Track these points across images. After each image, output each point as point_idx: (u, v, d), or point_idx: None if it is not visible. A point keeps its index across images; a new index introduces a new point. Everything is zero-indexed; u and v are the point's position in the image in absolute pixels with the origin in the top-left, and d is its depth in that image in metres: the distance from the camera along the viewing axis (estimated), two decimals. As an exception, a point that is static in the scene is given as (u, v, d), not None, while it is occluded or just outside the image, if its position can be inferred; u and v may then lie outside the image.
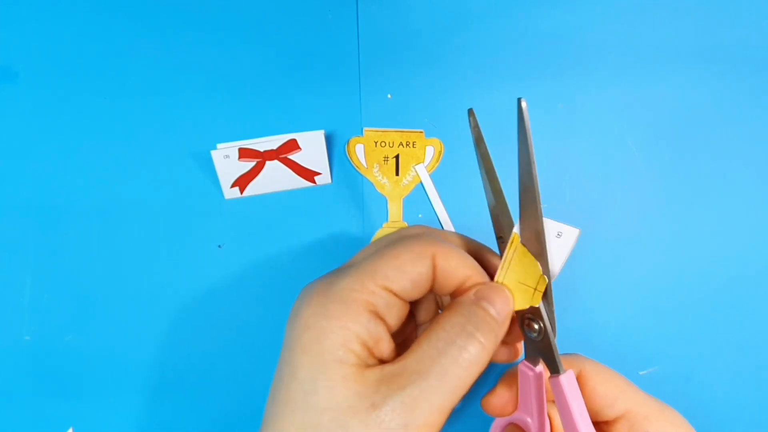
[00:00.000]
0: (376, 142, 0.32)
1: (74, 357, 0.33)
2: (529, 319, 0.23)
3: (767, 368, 0.33)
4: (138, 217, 0.33)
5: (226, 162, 0.32)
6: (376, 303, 0.21)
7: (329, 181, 0.33)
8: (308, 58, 0.34)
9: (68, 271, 0.33)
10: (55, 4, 0.34)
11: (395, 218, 0.33)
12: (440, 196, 0.33)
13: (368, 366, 0.21)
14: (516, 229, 0.23)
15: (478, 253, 0.25)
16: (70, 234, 0.33)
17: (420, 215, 0.33)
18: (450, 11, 0.34)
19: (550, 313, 0.23)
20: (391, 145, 0.33)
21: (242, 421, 0.34)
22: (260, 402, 0.34)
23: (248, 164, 0.32)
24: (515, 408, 0.27)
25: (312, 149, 0.32)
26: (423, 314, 0.27)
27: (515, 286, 0.23)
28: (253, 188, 0.33)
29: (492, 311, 0.22)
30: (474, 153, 0.25)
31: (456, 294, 0.23)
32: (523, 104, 0.21)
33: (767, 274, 0.33)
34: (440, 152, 0.33)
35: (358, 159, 0.33)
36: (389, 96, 0.33)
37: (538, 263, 0.22)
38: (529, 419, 0.26)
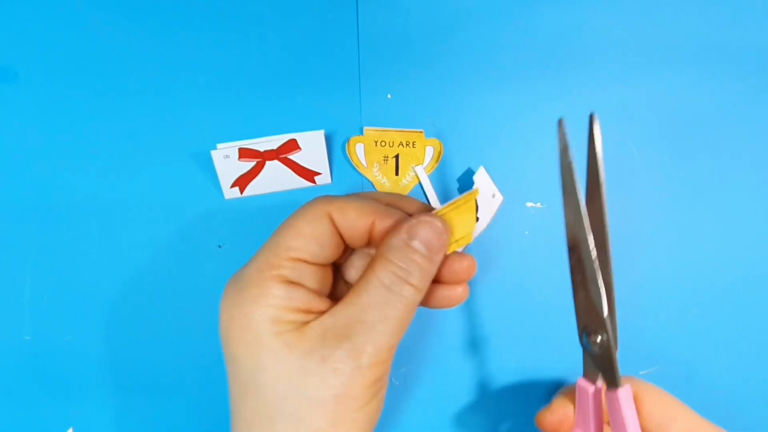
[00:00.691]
0: (376, 142, 0.32)
1: (74, 357, 0.33)
2: (590, 332, 0.24)
3: (767, 368, 0.33)
4: (138, 217, 0.33)
5: (226, 162, 0.32)
6: (288, 275, 0.22)
7: (329, 181, 0.33)
8: (308, 57, 0.34)
9: (68, 271, 0.33)
10: (55, 4, 0.34)
11: None
12: (439, 197, 0.33)
13: (307, 322, 0.21)
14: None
15: (395, 204, 0.25)
16: (70, 234, 0.33)
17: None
18: (450, 11, 0.34)
19: (613, 325, 0.23)
20: (391, 144, 0.32)
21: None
22: (260, 402, 0.34)
23: (248, 164, 0.32)
24: (572, 426, 0.26)
25: (312, 149, 0.32)
26: (353, 274, 0.26)
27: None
28: (253, 188, 0.33)
29: (422, 249, 0.22)
30: (558, 163, 0.26)
31: (374, 242, 0.24)
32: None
33: None
34: (440, 152, 0.33)
35: (358, 158, 0.32)
36: (389, 96, 0.33)
37: (475, 223, 0.24)
38: None
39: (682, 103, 0.34)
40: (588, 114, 0.34)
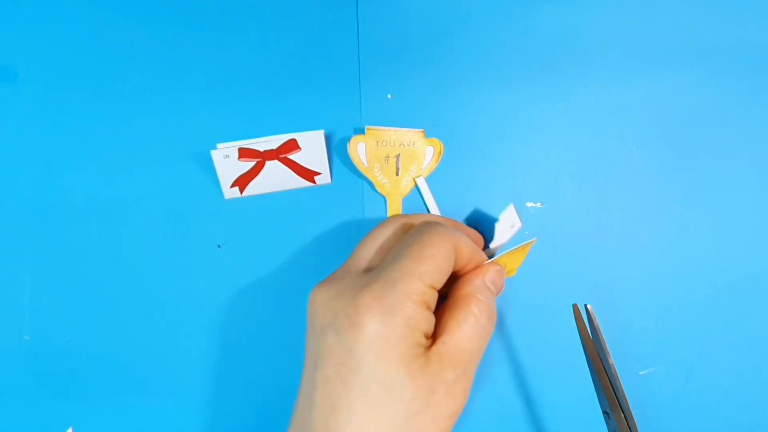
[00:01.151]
0: (377, 141, 0.32)
1: (74, 357, 0.33)
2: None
3: (767, 368, 0.33)
4: (138, 217, 0.33)
5: (226, 162, 0.32)
6: (428, 301, 0.25)
7: (329, 181, 0.33)
8: (308, 57, 0.34)
9: (68, 271, 0.33)
10: (55, 4, 0.34)
11: None
12: (437, 200, 0.33)
13: (428, 347, 0.25)
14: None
15: (465, 232, 0.31)
16: (69, 234, 0.33)
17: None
18: (450, 11, 0.34)
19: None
20: (392, 144, 0.32)
21: (243, 422, 0.34)
22: (261, 402, 0.34)
23: (248, 164, 0.32)
24: None
25: (312, 149, 0.32)
26: None
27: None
28: (252, 188, 0.33)
29: (495, 291, 0.28)
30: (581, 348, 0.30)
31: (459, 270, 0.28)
32: (589, 308, 0.30)
33: (767, 275, 0.33)
34: (440, 152, 0.33)
35: (359, 158, 0.32)
36: (389, 96, 0.33)
37: (522, 262, 0.32)
38: None
39: (682, 103, 0.34)
40: (588, 112, 0.34)
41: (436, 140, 0.33)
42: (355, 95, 0.33)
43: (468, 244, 0.27)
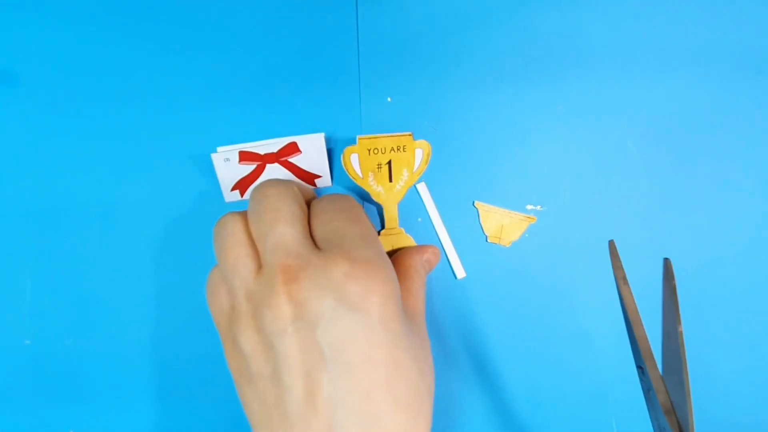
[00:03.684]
0: (369, 150, 0.32)
1: (75, 361, 0.33)
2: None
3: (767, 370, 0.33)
4: (138, 220, 0.33)
5: (227, 165, 0.32)
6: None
7: (330, 183, 0.33)
8: (308, 61, 0.34)
9: (69, 275, 0.33)
10: (56, 7, 0.34)
11: (391, 225, 0.33)
12: (437, 204, 0.33)
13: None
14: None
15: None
16: (70, 237, 0.33)
17: (419, 219, 0.34)
18: (450, 14, 0.34)
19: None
20: (383, 151, 0.32)
21: (243, 424, 0.34)
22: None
23: (248, 167, 0.32)
24: None
25: (312, 152, 0.32)
26: None
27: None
28: (253, 191, 0.33)
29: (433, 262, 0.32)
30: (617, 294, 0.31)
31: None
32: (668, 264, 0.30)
33: None
34: (428, 154, 0.32)
35: (353, 169, 0.32)
36: (389, 99, 0.34)
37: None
38: None
39: (682, 104, 0.34)
40: (588, 114, 0.34)
41: (423, 142, 0.32)
42: (355, 98, 0.33)
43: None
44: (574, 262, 0.33)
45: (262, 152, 0.32)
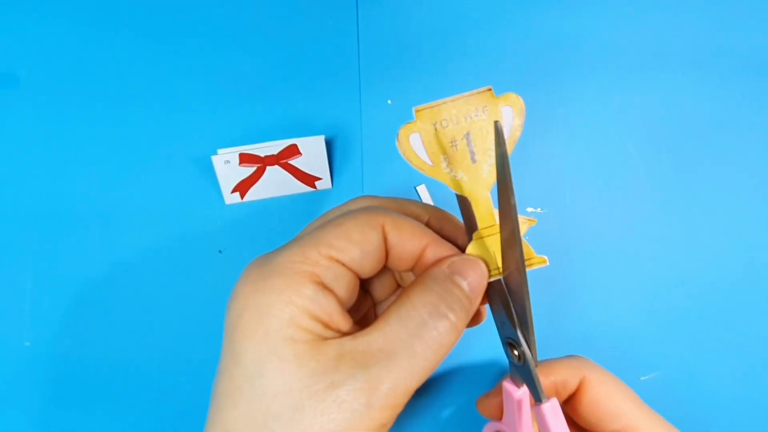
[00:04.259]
0: (434, 124, 0.22)
1: (74, 363, 0.33)
2: (511, 344, 0.22)
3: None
4: (138, 222, 0.33)
5: (227, 167, 0.32)
6: (321, 274, 0.19)
7: (330, 185, 0.33)
8: (309, 63, 0.34)
9: (69, 277, 0.33)
10: (57, 9, 0.34)
11: (488, 222, 0.22)
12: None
13: (325, 339, 0.19)
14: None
15: (441, 222, 0.23)
16: (70, 239, 0.33)
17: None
18: (450, 17, 0.34)
19: (531, 342, 0.21)
20: (455, 121, 0.22)
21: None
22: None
23: (249, 169, 0.32)
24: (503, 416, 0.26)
25: (312, 154, 0.32)
26: (379, 291, 0.25)
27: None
28: (253, 193, 0.33)
29: (465, 287, 0.20)
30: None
31: (418, 268, 0.21)
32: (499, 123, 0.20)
33: (768, 279, 0.33)
34: (521, 110, 0.23)
35: (416, 155, 0.22)
36: (389, 101, 0.34)
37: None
38: None
39: (682, 107, 0.34)
40: (588, 117, 0.34)
41: (512, 95, 0.23)
42: (355, 101, 0.34)
43: (411, 225, 0.21)
44: (574, 263, 0.33)
45: (262, 154, 0.32)
